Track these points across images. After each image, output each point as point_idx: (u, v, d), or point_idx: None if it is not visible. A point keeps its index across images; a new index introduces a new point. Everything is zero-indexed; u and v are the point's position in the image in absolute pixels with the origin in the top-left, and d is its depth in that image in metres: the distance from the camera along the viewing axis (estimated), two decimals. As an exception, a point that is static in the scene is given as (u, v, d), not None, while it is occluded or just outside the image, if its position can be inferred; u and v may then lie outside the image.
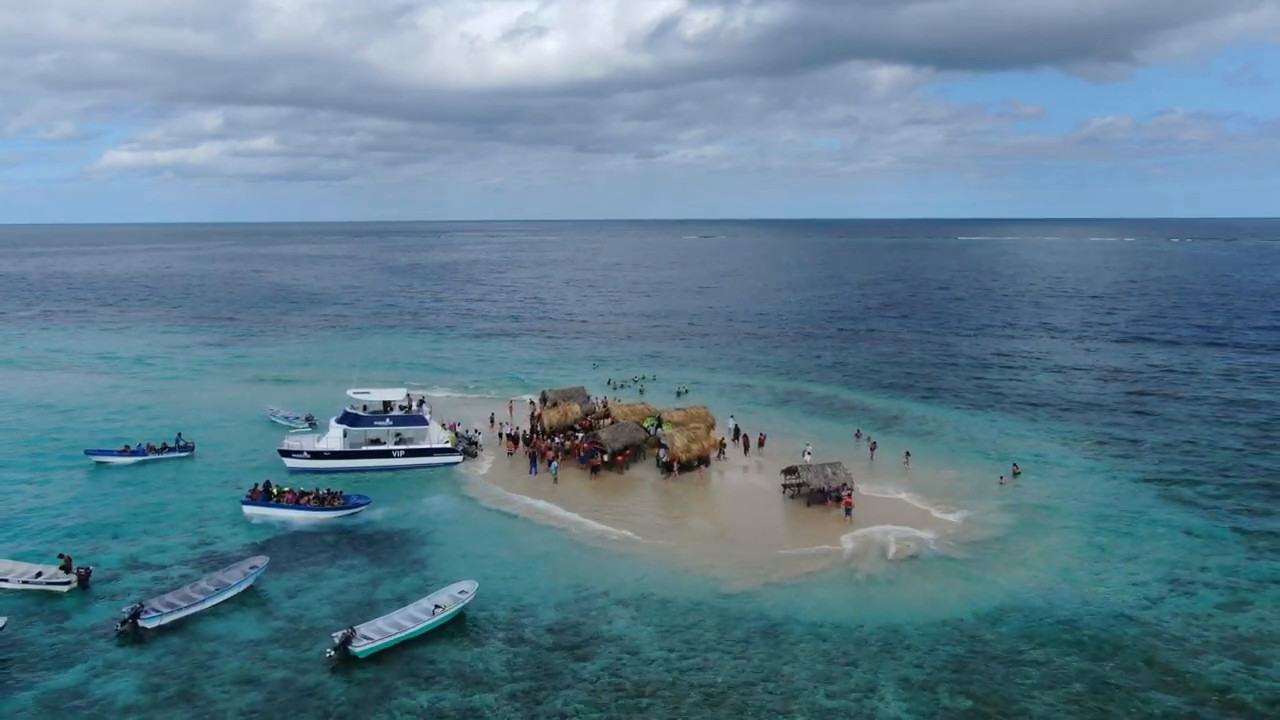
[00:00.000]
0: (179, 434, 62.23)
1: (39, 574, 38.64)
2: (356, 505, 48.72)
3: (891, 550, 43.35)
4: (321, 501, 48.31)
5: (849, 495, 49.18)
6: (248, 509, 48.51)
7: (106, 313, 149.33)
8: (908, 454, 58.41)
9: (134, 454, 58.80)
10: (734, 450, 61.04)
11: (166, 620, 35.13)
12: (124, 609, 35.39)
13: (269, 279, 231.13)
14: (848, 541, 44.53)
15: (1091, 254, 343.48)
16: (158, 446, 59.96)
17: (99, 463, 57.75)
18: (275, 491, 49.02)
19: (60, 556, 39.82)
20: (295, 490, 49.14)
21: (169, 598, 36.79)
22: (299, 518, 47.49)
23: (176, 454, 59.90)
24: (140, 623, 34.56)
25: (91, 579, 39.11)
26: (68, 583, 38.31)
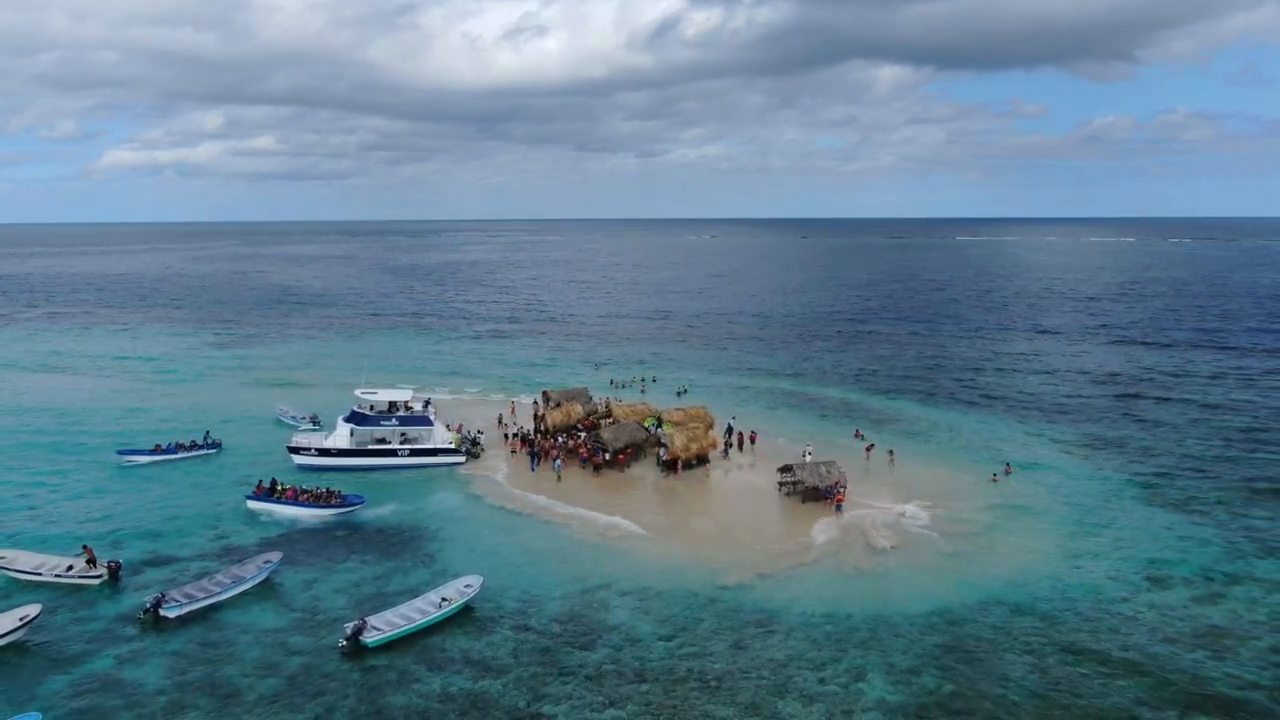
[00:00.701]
0: (207, 432, 64.33)
1: (70, 567, 40.40)
2: (352, 504, 50.41)
3: (881, 544, 45.06)
4: (318, 499, 50.21)
5: (841, 493, 50.91)
6: (252, 504, 50.61)
7: (112, 314, 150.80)
8: (890, 453, 60.24)
9: (165, 452, 60.92)
10: (737, 453, 62.62)
11: (185, 610, 36.99)
12: (146, 600, 37.24)
13: (271, 279, 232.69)
14: (839, 536, 46.26)
15: (1090, 254, 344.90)
16: (186, 444, 62.11)
17: (130, 461, 59.67)
18: (279, 488, 51.12)
19: (83, 548, 41.56)
20: (296, 487, 51.15)
21: (188, 589, 38.71)
22: (297, 514, 49.49)
23: (205, 451, 62.04)
24: (161, 612, 36.46)
25: (121, 572, 40.78)
26: (99, 576, 40.06)
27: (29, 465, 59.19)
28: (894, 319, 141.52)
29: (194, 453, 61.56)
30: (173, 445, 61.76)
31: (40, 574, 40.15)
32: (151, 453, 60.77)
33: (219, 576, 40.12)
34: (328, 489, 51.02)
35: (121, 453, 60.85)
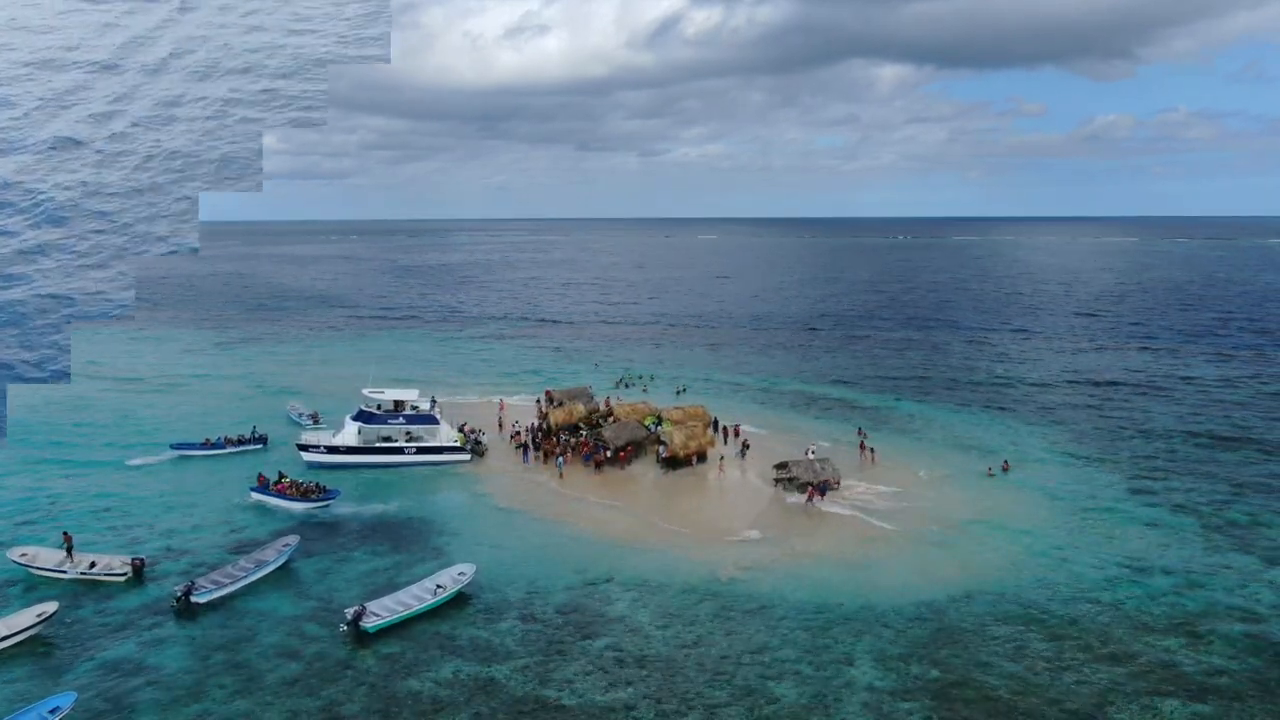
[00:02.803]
0: (254, 427, 66.39)
1: (93, 564, 41.87)
2: (329, 498, 52.56)
3: (873, 537, 46.81)
4: (300, 492, 52.53)
5: (814, 488, 52.63)
6: (254, 495, 53.24)
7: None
8: (872, 450, 61.59)
9: (214, 446, 63.14)
10: (723, 446, 64.00)
11: (215, 596, 39.02)
12: (177, 587, 39.15)
13: (274, 280, 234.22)
14: (832, 529, 48.02)
15: (1090, 254, 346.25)
16: (234, 439, 64.34)
17: (182, 455, 61.98)
18: (281, 478, 53.79)
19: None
20: (286, 481, 53.71)
21: (214, 576, 40.79)
22: (285, 506, 51.88)
23: (252, 446, 64.13)
24: (192, 598, 38.44)
25: (145, 569, 42.10)
26: (123, 573, 41.44)
27: (46, 466, 60.43)
28: (893, 319, 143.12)
29: (241, 448, 63.70)
30: (221, 440, 63.89)
31: (64, 571, 41.61)
32: (202, 446, 63.05)
33: (242, 562, 42.23)
34: (312, 483, 53.38)
35: (174, 446, 63.06)
